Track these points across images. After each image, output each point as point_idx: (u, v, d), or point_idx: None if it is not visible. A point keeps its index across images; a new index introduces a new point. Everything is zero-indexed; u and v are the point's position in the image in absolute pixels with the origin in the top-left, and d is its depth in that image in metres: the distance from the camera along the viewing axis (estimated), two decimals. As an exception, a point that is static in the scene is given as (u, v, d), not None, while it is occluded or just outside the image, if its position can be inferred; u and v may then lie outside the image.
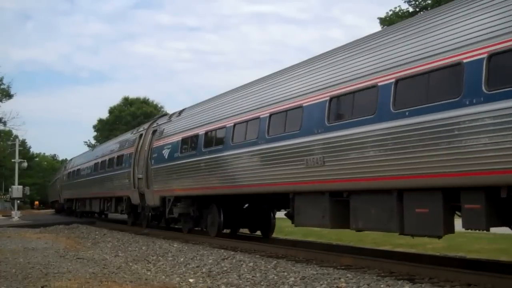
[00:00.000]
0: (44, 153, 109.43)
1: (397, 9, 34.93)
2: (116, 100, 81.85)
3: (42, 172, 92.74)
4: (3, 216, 43.47)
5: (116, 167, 25.49)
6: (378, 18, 36.04)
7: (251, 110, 14.14)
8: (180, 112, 19.77)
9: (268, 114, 13.24)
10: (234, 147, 14.53)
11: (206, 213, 17.33)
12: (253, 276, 9.76)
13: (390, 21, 32.26)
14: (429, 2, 32.72)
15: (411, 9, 34.15)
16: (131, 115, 68.89)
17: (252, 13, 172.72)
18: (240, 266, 10.98)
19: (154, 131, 21.05)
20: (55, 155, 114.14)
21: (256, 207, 17.20)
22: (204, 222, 17.61)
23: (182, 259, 12.68)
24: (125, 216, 27.45)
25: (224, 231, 17.74)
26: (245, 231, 18.84)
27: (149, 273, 10.79)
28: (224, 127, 15.32)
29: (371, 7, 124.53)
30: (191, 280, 9.67)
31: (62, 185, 42.68)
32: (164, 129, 20.10)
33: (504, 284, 7.69)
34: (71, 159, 44.19)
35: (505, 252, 13.36)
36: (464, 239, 15.70)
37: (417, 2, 34.18)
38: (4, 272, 10.41)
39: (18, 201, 44.99)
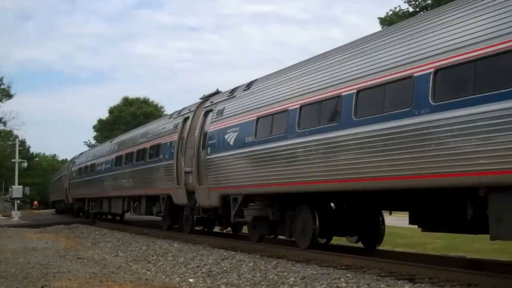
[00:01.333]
0: (44, 153, 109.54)
1: (397, 9, 34.93)
2: (116, 100, 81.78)
3: (42, 172, 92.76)
4: (3, 216, 43.47)
5: (149, 160, 21.04)
6: (378, 18, 36.07)
7: (397, 66, 9.72)
8: (249, 85, 15.14)
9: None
10: (357, 124, 10.32)
11: (290, 216, 13.22)
12: (253, 276, 9.76)
13: (390, 21, 32.24)
14: (429, 2, 32.72)
15: (411, 9, 34.14)
16: (131, 115, 68.91)
17: (252, 13, 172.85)
18: (240, 266, 10.98)
19: (208, 112, 16.77)
20: (55, 155, 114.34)
21: (357, 208, 13.21)
22: (287, 228, 13.39)
23: (182, 259, 12.68)
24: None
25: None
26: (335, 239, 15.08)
27: (149, 273, 10.79)
28: (337, 96, 10.99)
29: (372, 7, 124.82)
30: (191, 280, 9.68)
31: (71, 183, 37.76)
32: (224, 108, 15.62)
33: (504, 284, 7.69)
34: (81, 154, 39.75)
35: (505, 252, 13.36)
36: (464, 239, 15.69)
37: (417, 2, 34.17)
38: (4, 272, 10.41)
39: (18, 201, 45.00)
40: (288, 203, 13.25)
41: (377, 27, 34.26)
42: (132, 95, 74.83)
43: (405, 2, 34.54)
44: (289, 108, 12.33)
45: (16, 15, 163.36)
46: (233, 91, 15.87)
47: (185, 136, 17.84)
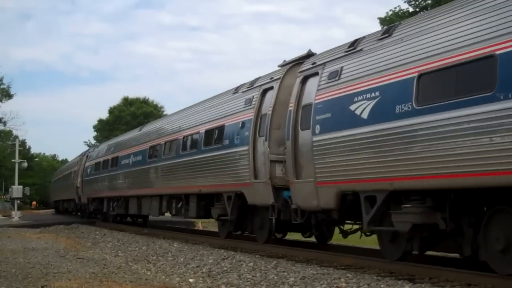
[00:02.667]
0: (44, 153, 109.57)
1: (397, 9, 35.00)
2: (116, 100, 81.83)
3: (42, 172, 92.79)
4: (3, 216, 43.50)
5: (205, 148, 16.62)
6: (378, 18, 36.14)
7: None
8: (388, 31, 10.46)
9: None
10: None
11: (470, 224, 8.85)
12: (253, 276, 9.76)
13: (390, 21, 32.27)
14: (429, 2, 32.76)
15: (411, 9, 34.20)
16: (131, 115, 68.94)
17: (253, 13, 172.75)
18: (240, 266, 10.99)
19: (308, 78, 12.23)
20: (55, 155, 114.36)
21: None
22: (465, 243, 8.97)
23: (182, 259, 12.69)
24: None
25: None
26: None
27: (149, 273, 10.79)
28: None
29: (373, 6, 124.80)
30: (191, 280, 9.68)
31: (85, 180, 32.68)
32: (342, 68, 11.02)
33: (504, 284, 7.69)
34: (96, 146, 36.28)
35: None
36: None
37: (417, 2, 34.23)
38: (4, 272, 10.41)
39: (18, 201, 45.01)
40: (467, 204, 8.87)
41: (378, 27, 34.28)
42: (132, 95, 74.93)
43: (405, 2, 34.63)
44: (497, 52, 7.70)
45: (16, 15, 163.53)
46: (353, 44, 11.18)
47: (269, 112, 13.45)
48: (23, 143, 69.20)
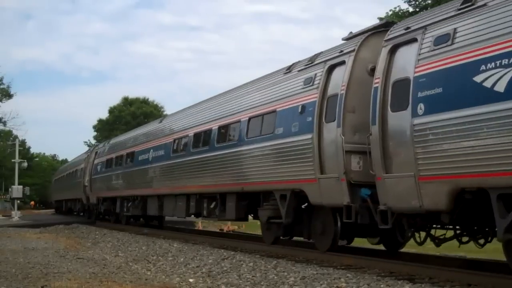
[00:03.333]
0: (44, 153, 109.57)
1: (397, 9, 35.00)
2: (116, 100, 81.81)
3: (42, 172, 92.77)
4: (3, 216, 43.50)
5: (249, 138, 14.12)
6: (378, 18, 36.15)
7: None
8: None
9: None
10: None
11: None
12: (253, 276, 9.76)
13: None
14: (429, 2, 32.74)
15: (411, 9, 34.19)
16: (131, 115, 68.94)
17: (253, 13, 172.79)
18: (240, 266, 10.99)
19: (398, 46, 10.00)
20: (55, 155, 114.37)
21: None
22: None
23: (182, 259, 12.68)
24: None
25: None
26: None
27: (149, 273, 10.80)
28: None
29: (373, 6, 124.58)
30: (191, 280, 9.68)
31: (94, 178, 29.99)
32: (456, 30, 8.83)
33: (504, 284, 7.69)
34: (107, 141, 32.37)
35: (505, 252, 13.34)
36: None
37: (417, 2, 34.22)
38: (4, 272, 10.41)
39: (18, 201, 45.00)
40: None
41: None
42: (132, 95, 74.92)
43: (405, 2, 34.62)
44: None
45: (16, 15, 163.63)
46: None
47: (341, 92, 11.00)
48: (23, 143, 69.25)
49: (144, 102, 72.78)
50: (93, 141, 74.26)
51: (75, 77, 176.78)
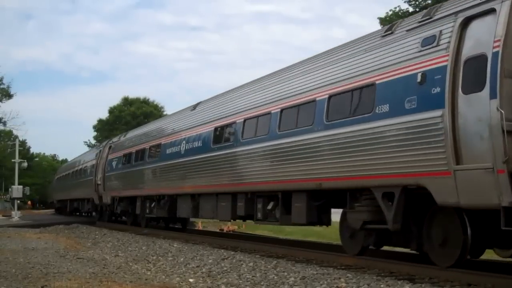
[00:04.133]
0: (44, 153, 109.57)
1: (397, 9, 35.03)
2: (116, 100, 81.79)
3: (42, 172, 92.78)
4: (3, 216, 43.48)
5: (331, 122, 11.27)
6: (378, 18, 36.15)
7: None
8: None
9: None
10: None
11: None
12: (253, 276, 9.76)
13: (390, 21, 32.28)
14: (429, 2, 32.75)
15: (411, 9, 34.20)
16: (131, 115, 68.94)
17: (254, 13, 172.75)
18: (240, 266, 10.99)
19: None
20: (55, 155, 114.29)
21: None
22: None
23: (182, 259, 12.69)
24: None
25: None
26: None
27: (149, 273, 10.80)
28: None
29: (374, 6, 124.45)
30: (191, 280, 9.68)
31: (108, 176, 26.92)
32: None
33: (504, 284, 7.69)
34: (122, 134, 28.96)
35: (505, 252, 13.34)
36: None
37: (417, 2, 34.23)
38: (4, 272, 10.41)
39: (18, 201, 44.98)
40: None
41: (379, 27, 34.31)
42: (132, 95, 74.87)
43: (405, 2, 34.64)
44: None
45: (16, 15, 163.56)
46: None
47: (493, 51, 8.17)
48: (23, 143, 69.25)
49: (144, 102, 72.78)
50: (93, 141, 74.34)
51: (75, 77, 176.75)
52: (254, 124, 14.23)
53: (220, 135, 16.06)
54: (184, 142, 18.45)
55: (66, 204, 42.46)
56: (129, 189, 23.73)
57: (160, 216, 21.26)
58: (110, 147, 28.23)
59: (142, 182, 22.11)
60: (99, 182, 28.42)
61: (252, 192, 14.21)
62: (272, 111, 13.38)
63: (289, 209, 12.64)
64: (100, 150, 30.19)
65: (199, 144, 17.22)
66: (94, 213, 34.35)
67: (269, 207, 13.47)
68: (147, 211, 21.83)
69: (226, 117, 15.95)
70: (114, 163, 26.39)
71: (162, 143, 20.37)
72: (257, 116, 14.09)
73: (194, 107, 19.44)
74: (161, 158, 20.20)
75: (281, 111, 13.09)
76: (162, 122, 23.65)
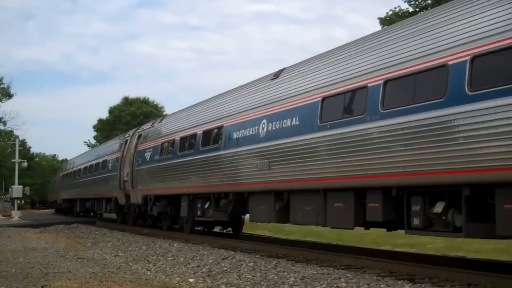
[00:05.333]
0: (44, 153, 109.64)
1: (397, 9, 35.03)
2: (116, 100, 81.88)
3: (42, 172, 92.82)
4: (3, 216, 43.50)
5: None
6: (378, 18, 36.14)
7: None
8: None
9: None
10: None
11: None
12: (253, 276, 9.76)
13: (390, 21, 32.29)
14: (429, 2, 32.77)
15: (411, 9, 34.21)
16: (131, 115, 68.98)
17: (254, 13, 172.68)
18: (240, 266, 10.99)
19: None
20: (55, 155, 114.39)
21: None
22: None
23: (182, 259, 12.69)
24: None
25: None
26: None
27: (149, 273, 10.80)
28: None
29: (375, 6, 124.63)
30: (191, 280, 9.68)
31: (138, 170, 22.00)
32: None
33: (504, 284, 7.69)
34: (155, 120, 23.76)
35: (505, 252, 13.37)
36: (464, 239, 15.70)
37: (417, 2, 34.24)
38: (4, 272, 10.40)
39: (18, 201, 44.98)
40: None
41: (379, 27, 34.32)
42: (132, 95, 74.95)
43: (405, 2, 34.65)
44: None
45: (17, 15, 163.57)
46: None
47: None
48: (23, 143, 69.25)
49: (144, 102, 72.83)
50: (93, 141, 74.33)
51: (75, 77, 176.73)
52: (398, 88, 9.59)
53: (336, 108, 11.04)
54: (264, 121, 13.42)
55: (74, 204, 37.38)
56: (171, 185, 18.85)
57: (218, 219, 16.63)
58: (139, 136, 23.08)
59: (192, 177, 17.08)
60: (125, 178, 23.45)
61: (401, 186, 9.44)
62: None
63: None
64: (126, 141, 25.05)
65: (294, 123, 12.22)
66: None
67: (437, 209, 8.69)
68: (198, 213, 16.97)
69: (349, 79, 10.73)
70: (147, 155, 21.33)
71: (225, 125, 15.32)
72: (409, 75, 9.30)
73: (277, 74, 14.11)
74: (224, 144, 15.13)
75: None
76: (224, 98, 16.97)
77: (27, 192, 53.54)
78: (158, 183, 20.10)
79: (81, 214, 36.09)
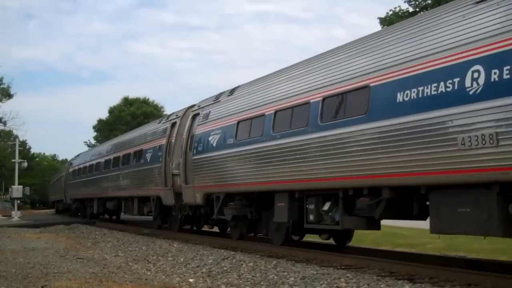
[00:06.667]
0: (44, 153, 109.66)
1: (397, 9, 35.02)
2: (116, 100, 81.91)
3: (42, 172, 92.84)
4: (3, 216, 43.50)
5: None
6: (378, 18, 36.14)
7: None
8: None
9: None
10: None
11: None
12: (253, 276, 9.76)
13: (390, 21, 32.29)
14: (429, 2, 32.76)
15: (411, 9, 34.20)
16: (131, 115, 69.00)
17: (254, 12, 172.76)
18: (240, 266, 10.99)
19: None
20: (55, 155, 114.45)
21: None
22: None
23: (182, 259, 12.69)
24: None
25: None
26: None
27: (149, 273, 10.80)
28: None
29: (376, 6, 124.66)
30: (191, 280, 9.68)
31: (214, 159, 15.49)
32: None
33: (504, 284, 7.69)
34: (223, 93, 16.86)
35: (505, 252, 13.37)
36: (464, 239, 15.71)
37: (417, 2, 34.23)
38: (4, 272, 10.41)
39: (18, 201, 44.97)
40: None
41: (379, 27, 34.31)
42: (132, 95, 75.09)
43: (405, 2, 34.64)
44: None
45: (18, 14, 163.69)
46: None
47: None
48: (23, 143, 69.35)
49: (144, 102, 72.87)
50: (93, 141, 74.33)
51: (76, 77, 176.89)
52: None
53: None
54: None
55: (89, 204, 32.10)
56: (256, 179, 13.44)
57: (350, 227, 11.66)
58: (195, 116, 17.63)
59: (301, 165, 11.65)
60: (175, 172, 18.53)
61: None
62: None
63: None
64: (174, 123, 19.60)
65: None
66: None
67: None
68: (310, 217, 11.75)
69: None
70: (212, 139, 15.81)
71: (373, 84, 9.92)
72: None
73: None
74: (378, 113, 9.69)
75: None
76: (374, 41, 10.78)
77: (27, 192, 53.52)
78: (233, 176, 14.47)
79: (99, 215, 30.99)
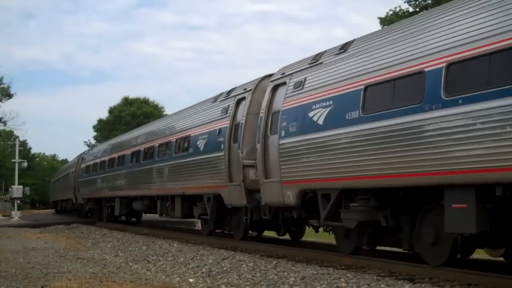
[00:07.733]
0: (44, 153, 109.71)
1: (397, 9, 35.06)
2: (116, 100, 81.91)
3: (42, 172, 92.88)
4: (3, 216, 43.51)
5: None
6: (378, 18, 36.17)
7: None
8: None
9: None
10: None
11: None
12: (253, 276, 9.76)
13: (390, 21, 32.31)
14: (429, 2, 32.77)
15: (411, 9, 34.24)
16: (131, 115, 69.02)
17: (255, 12, 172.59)
18: (240, 266, 10.99)
19: None
20: (55, 155, 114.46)
21: None
22: None
23: (182, 259, 12.69)
24: None
25: None
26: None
27: (149, 273, 10.80)
28: None
29: (376, 6, 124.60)
30: (191, 280, 9.68)
31: (311, 143, 11.35)
32: None
33: (504, 284, 7.69)
34: (328, 52, 12.02)
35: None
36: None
37: (417, 2, 34.26)
38: (4, 272, 10.41)
39: (18, 201, 44.99)
40: None
41: (379, 27, 34.32)
42: (132, 95, 75.08)
43: (405, 2, 34.67)
44: None
45: (18, 14, 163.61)
46: None
47: None
48: (23, 143, 69.30)
49: (144, 102, 72.90)
50: (93, 141, 74.36)
51: (76, 77, 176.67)
52: None
53: None
54: None
55: (106, 204, 28.39)
56: (410, 168, 9.05)
57: None
58: (278, 87, 13.37)
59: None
60: (247, 162, 14.35)
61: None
62: None
63: None
64: (240, 100, 15.36)
65: None
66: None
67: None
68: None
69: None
70: (315, 114, 11.52)
71: None
72: None
73: None
74: None
75: None
76: None
77: (27, 192, 53.51)
78: (358, 164, 10.18)
79: (122, 218, 27.42)
